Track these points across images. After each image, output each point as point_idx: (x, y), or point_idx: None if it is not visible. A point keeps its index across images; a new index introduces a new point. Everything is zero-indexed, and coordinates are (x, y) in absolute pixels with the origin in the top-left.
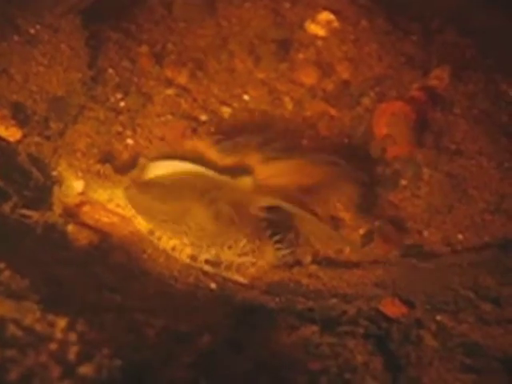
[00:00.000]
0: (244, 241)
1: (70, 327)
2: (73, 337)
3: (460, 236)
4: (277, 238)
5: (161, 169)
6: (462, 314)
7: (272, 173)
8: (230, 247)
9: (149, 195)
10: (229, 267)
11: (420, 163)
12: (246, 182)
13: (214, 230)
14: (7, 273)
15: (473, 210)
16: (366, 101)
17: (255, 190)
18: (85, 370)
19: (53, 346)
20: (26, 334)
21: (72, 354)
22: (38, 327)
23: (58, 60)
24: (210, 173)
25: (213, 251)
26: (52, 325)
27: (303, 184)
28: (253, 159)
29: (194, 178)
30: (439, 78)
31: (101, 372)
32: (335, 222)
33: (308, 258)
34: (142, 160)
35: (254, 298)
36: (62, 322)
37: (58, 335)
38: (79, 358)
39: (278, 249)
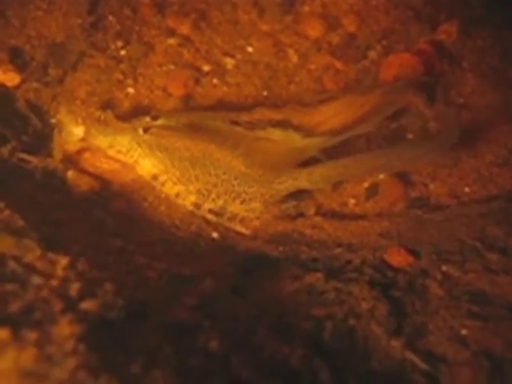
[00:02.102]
0: (258, 204)
1: (71, 266)
2: (74, 274)
3: (467, 189)
4: (289, 199)
5: (172, 119)
6: (468, 264)
7: (326, 116)
8: (242, 202)
9: (166, 137)
10: (232, 218)
11: (427, 117)
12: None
13: (234, 181)
14: (7, 212)
15: (480, 163)
16: (372, 54)
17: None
18: (87, 305)
19: (54, 283)
20: (27, 270)
21: (74, 290)
22: (39, 265)
23: (57, 4)
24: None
25: (220, 202)
26: (53, 263)
27: (359, 115)
28: (296, 115)
29: (220, 127)
30: (447, 32)
31: (104, 308)
32: None
33: (311, 210)
34: (148, 120)
35: (256, 248)
36: (63, 261)
37: (59, 273)
38: (81, 294)
39: (283, 202)
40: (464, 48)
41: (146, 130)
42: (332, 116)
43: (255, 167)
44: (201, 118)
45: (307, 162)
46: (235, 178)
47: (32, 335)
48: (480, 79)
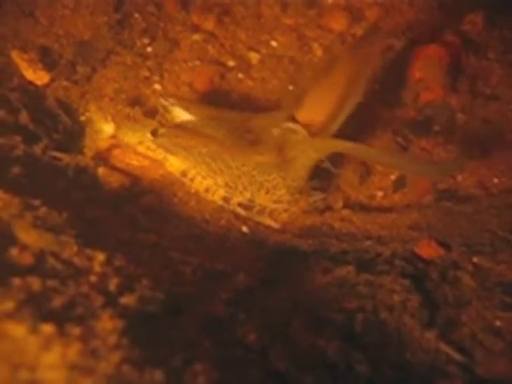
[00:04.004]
0: (283, 191)
1: (109, 261)
2: (111, 270)
3: (495, 180)
4: (316, 192)
5: (186, 108)
6: (499, 255)
7: (307, 117)
8: (267, 192)
9: (183, 134)
10: (261, 212)
11: (454, 108)
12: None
13: (254, 171)
14: (43, 209)
15: (509, 153)
16: (397, 46)
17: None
18: (127, 300)
19: (93, 278)
20: (66, 266)
21: (112, 285)
22: (77, 261)
23: (84, 3)
24: (245, 114)
25: (247, 194)
26: (90, 259)
27: (339, 94)
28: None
29: (230, 119)
30: (473, 22)
31: (143, 302)
32: (366, 168)
33: (339, 204)
34: (162, 101)
35: (286, 241)
36: (100, 256)
37: (97, 268)
38: (120, 290)
39: (311, 195)
40: (490, 38)
41: (153, 134)
42: (314, 112)
43: (267, 152)
44: (213, 112)
45: None
46: (254, 168)
47: (76, 330)
48: (507, 69)
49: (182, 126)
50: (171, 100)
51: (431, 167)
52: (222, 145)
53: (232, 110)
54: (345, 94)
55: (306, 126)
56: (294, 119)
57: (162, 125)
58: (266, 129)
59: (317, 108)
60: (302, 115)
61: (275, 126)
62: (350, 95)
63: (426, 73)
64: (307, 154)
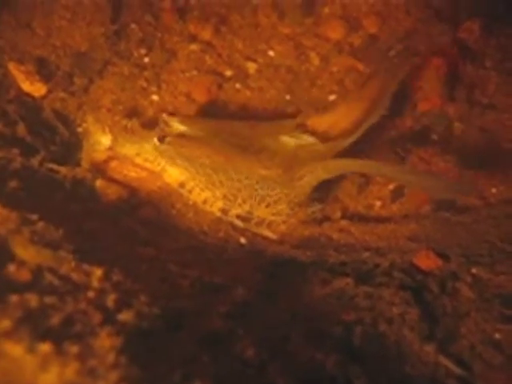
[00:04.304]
0: (284, 206)
1: (106, 276)
2: (109, 285)
3: (494, 190)
4: (315, 203)
5: (189, 124)
6: (498, 266)
7: (328, 123)
8: (267, 206)
9: (188, 144)
10: (259, 223)
11: (451, 117)
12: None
13: (257, 185)
14: (41, 224)
15: (507, 163)
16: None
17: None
18: (124, 316)
19: (91, 294)
20: (64, 282)
21: (110, 301)
22: (75, 276)
23: (81, 14)
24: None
25: (246, 206)
26: (88, 274)
27: (366, 107)
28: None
29: (234, 130)
30: (469, 30)
31: (140, 319)
32: (365, 178)
33: (337, 214)
34: (164, 116)
35: (284, 252)
36: (98, 272)
37: (95, 284)
38: (118, 306)
39: (309, 206)
40: (487, 46)
41: (161, 140)
42: (340, 119)
43: (274, 167)
44: (218, 124)
45: None
46: (257, 182)
47: (74, 348)
48: (504, 77)
49: (187, 137)
50: (174, 118)
51: (443, 185)
52: (227, 157)
53: (232, 120)
54: (371, 106)
55: (324, 132)
56: (305, 128)
57: (164, 135)
58: (274, 137)
59: (344, 115)
60: (326, 120)
61: (285, 135)
62: (375, 108)
63: (424, 82)
64: (316, 174)
